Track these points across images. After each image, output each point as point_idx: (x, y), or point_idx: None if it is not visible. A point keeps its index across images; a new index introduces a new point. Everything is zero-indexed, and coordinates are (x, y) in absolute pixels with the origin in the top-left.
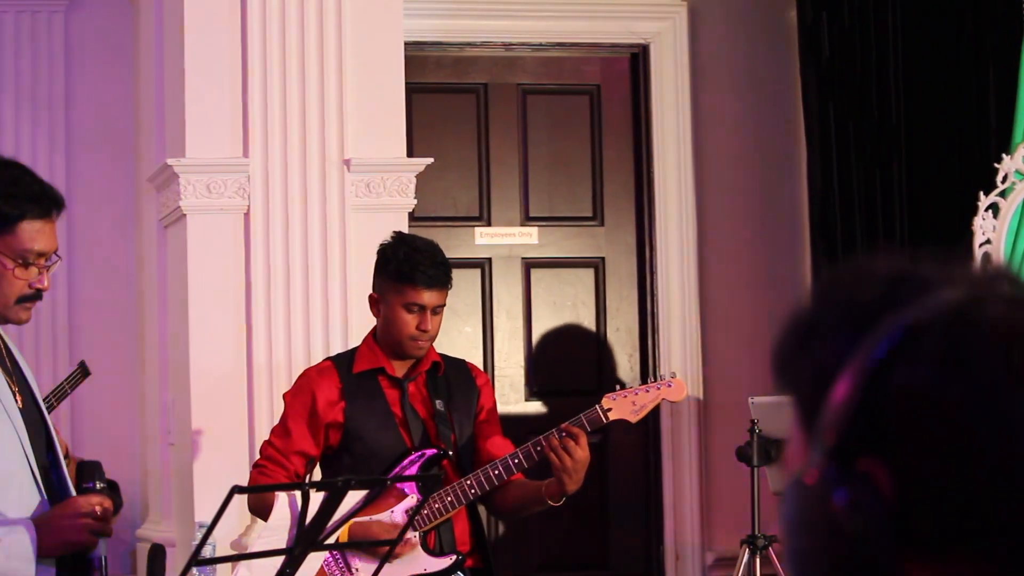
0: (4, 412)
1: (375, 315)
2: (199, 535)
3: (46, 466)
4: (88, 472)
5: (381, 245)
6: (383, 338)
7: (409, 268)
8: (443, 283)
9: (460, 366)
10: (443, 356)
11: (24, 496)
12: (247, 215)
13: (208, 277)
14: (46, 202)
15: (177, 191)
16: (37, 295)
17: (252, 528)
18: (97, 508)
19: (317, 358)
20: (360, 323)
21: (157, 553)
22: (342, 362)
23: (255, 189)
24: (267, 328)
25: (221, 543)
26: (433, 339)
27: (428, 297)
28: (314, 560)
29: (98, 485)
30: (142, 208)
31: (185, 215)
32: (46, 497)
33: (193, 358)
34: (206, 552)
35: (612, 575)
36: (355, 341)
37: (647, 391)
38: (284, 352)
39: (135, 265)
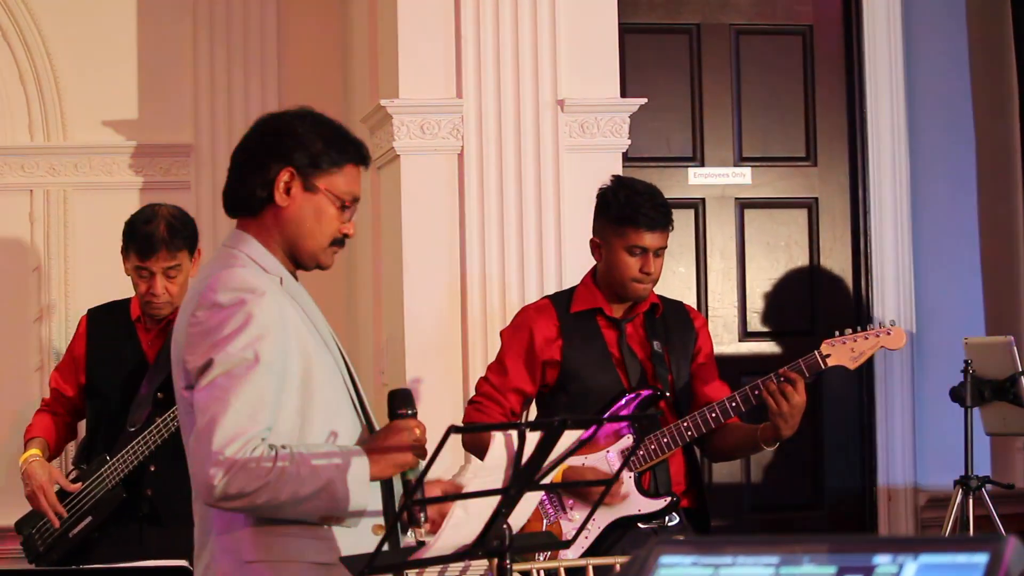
0: (325, 345)
1: (596, 259)
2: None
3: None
4: (400, 400)
5: (601, 189)
6: (604, 281)
7: (631, 211)
8: (664, 225)
9: (678, 308)
10: (661, 298)
11: (349, 424)
12: (461, 156)
13: (422, 218)
14: (364, 150)
15: (391, 132)
16: (343, 241)
17: (466, 468)
18: (416, 430)
19: (531, 299)
20: (574, 264)
21: None
22: (560, 301)
23: (469, 130)
24: (481, 269)
25: None
26: (655, 281)
27: (650, 239)
28: (530, 500)
29: (410, 411)
30: None
31: (399, 156)
32: (365, 424)
33: (407, 298)
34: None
35: (825, 515)
36: (569, 281)
37: (866, 338)
38: (498, 292)
39: None
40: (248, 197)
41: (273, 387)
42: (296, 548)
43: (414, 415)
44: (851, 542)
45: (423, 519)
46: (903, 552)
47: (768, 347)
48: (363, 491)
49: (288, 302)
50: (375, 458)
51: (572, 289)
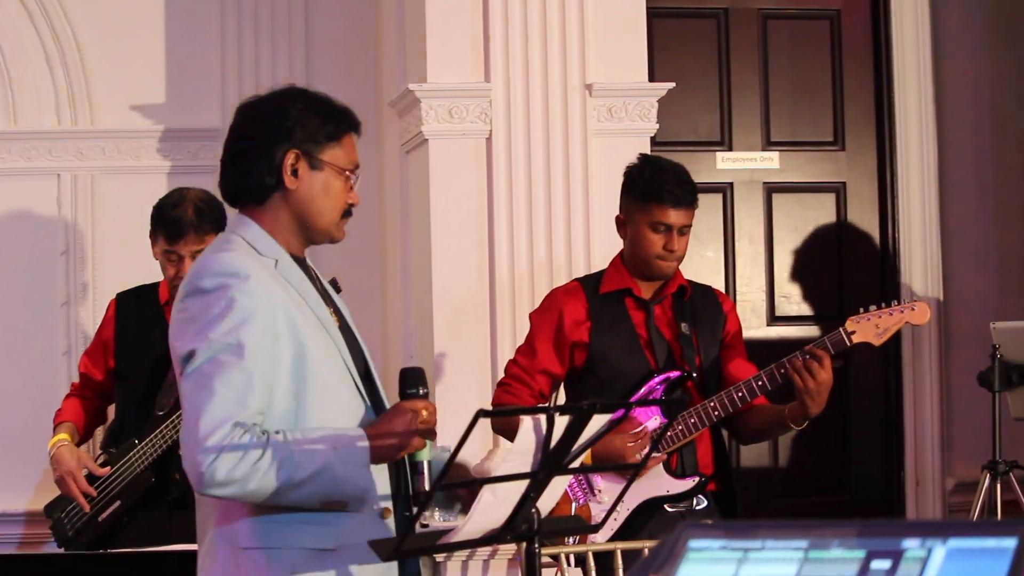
0: (323, 327)
1: (622, 237)
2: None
3: (362, 375)
4: (411, 379)
5: (627, 166)
6: (630, 260)
7: (655, 187)
8: (689, 202)
9: (706, 291)
10: (690, 282)
11: (349, 406)
12: (489, 140)
13: (450, 202)
14: (355, 116)
15: (419, 116)
16: (351, 212)
17: (495, 452)
18: (423, 412)
19: (559, 283)
20: (602, 248)
21: None
22: (589, 283)
23: (497, 114)
24: (509, 253)
25: None
26: (680, 259)
27: (674, 216)
28: (559, 484)
29: (421, 391)
30: (383, 133)
31: (427, 140)
32: (370, 405)
33: (436, 282)
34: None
35: (852, 499)
36: (597, 266)
37: (891, 314)
38: (527, 277)
39: (376, 190)
40: (256, 186)
41: (261, 371)
42: (293, 535)
43: (425, 395)
44: (879, 526)
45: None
46: (931, 536)
47: (796, 331)
48: (363, 474)
49: (278, 285)
50: (377, 441)
51: (601, 272)
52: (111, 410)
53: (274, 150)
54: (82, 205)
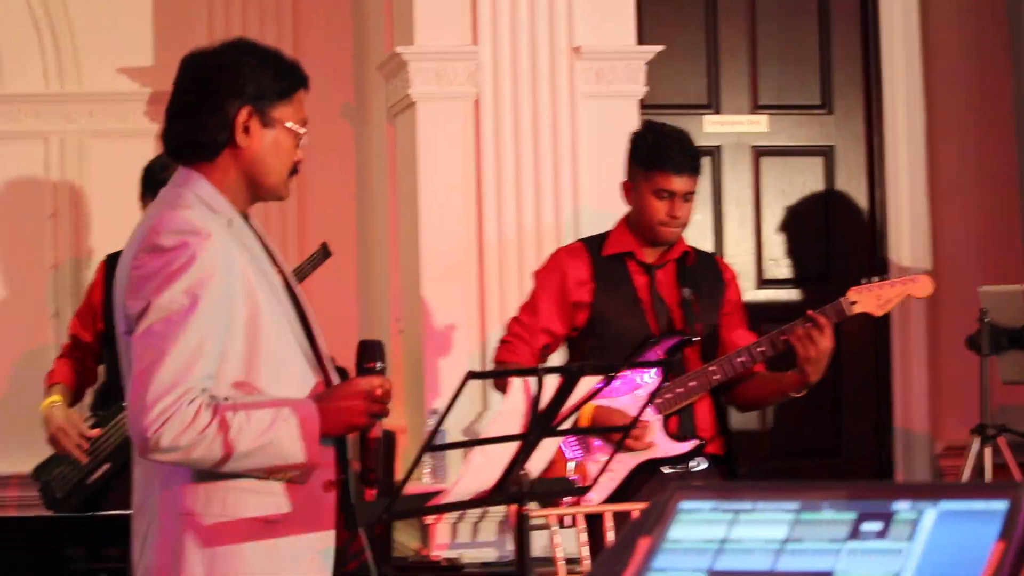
0: (274, 296)
1: (628, 203)
2: (431, 422)
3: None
4: (369, 352)
5: (632, 133)
6: (635, 224)
7: (658, 154)
8: (692, 169)
9: (709, 259)
10: (693, 248)
11: (299, 376)
12: (477, 103)
13: (438, 165)
14: (304, 71)
15: (406, 79)
16: (296, 170)
17: (484, 414)
18: (378, 390)
19: (547, 246)
20: (590, 210)
21: (387, 440)
22: (593, 244)
23: (485, 77)
24: (497, 216)
25: (452, 429)
26: (684, 226)
27: (677, 183)
28: (549, 446)
29: (379, 366)
30: (370, 96)
31: (415, 103)
32: (317, 367)
33: (423, 246)
34: (437, 439)
35: (843, 463)
36: (585, 228)
37: (892, 285)
38: (514, 240)
39: (363, 154)
40: (209, 142)
41: (214, 333)
42: (238, 503)
43: (382, 370)
44: (870, 488)
45: (375, 481)
46: (922, 499)
47: (785, 294)
48: (312, 448)
49: (236, 245)
50: (326, 414)
51: (606, 233)
52: (102, 371)
53: (227, 105)
54: (70, 168)
